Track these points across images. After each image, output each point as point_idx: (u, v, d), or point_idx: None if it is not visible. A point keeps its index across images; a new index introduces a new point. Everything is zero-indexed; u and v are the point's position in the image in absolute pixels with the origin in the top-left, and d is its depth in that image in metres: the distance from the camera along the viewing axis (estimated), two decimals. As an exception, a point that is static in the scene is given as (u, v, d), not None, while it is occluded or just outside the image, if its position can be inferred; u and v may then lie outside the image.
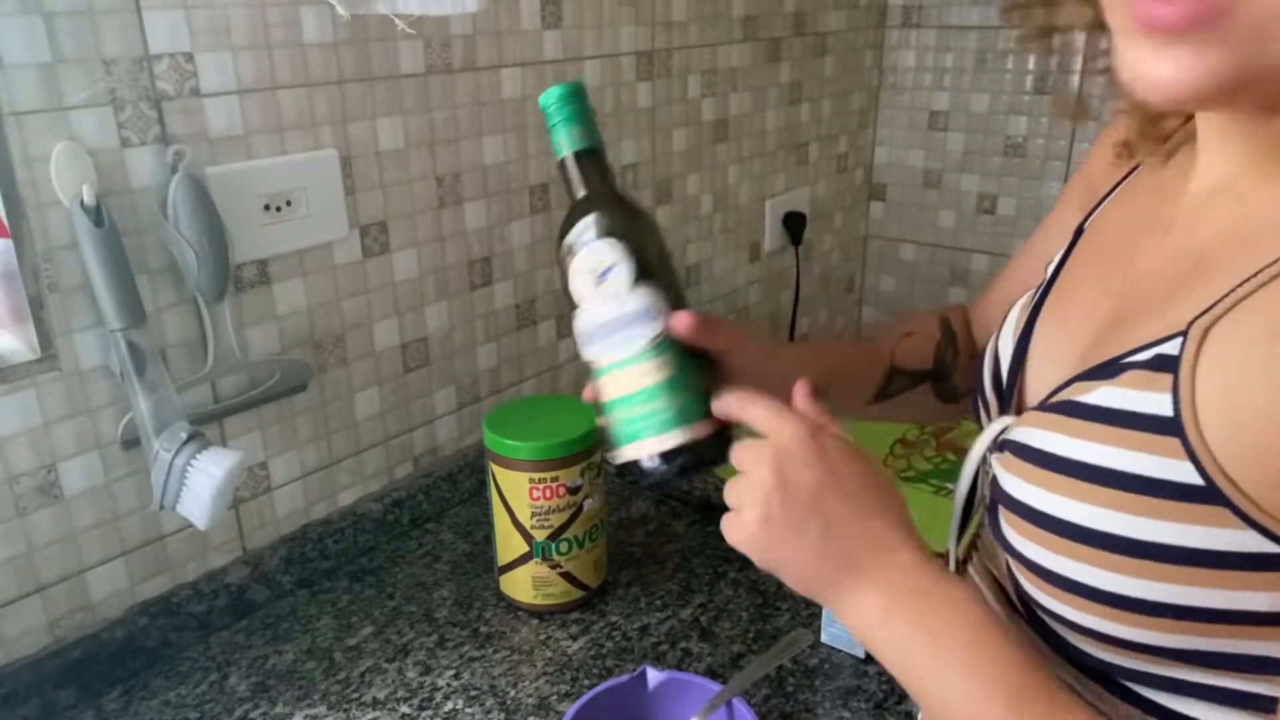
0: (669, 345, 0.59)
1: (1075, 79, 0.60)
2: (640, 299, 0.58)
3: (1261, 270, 0.41)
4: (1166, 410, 0.41)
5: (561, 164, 0.62)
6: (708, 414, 0.58)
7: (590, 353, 0.60)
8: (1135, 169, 0.59)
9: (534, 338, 1.18)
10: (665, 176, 1.30)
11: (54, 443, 0.77)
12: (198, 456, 0.77)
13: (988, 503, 0.54)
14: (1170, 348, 0.42)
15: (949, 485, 1.22)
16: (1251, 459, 0.39)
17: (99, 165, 0.74)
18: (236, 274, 0.85)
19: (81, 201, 0.72)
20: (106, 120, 0.75)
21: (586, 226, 0.60)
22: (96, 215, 0.73)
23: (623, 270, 0.58)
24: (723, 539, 0.54)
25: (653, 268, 0.59)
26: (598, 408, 0.61)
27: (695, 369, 0.59)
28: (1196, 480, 0.40)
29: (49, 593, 0.79)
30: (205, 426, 0.85)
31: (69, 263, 0.74)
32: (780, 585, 0.94)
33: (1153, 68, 0.41)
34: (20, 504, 0.76)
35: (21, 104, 0.70)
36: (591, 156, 0.62)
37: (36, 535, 0.78)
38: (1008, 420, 0.54)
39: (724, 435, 0.58)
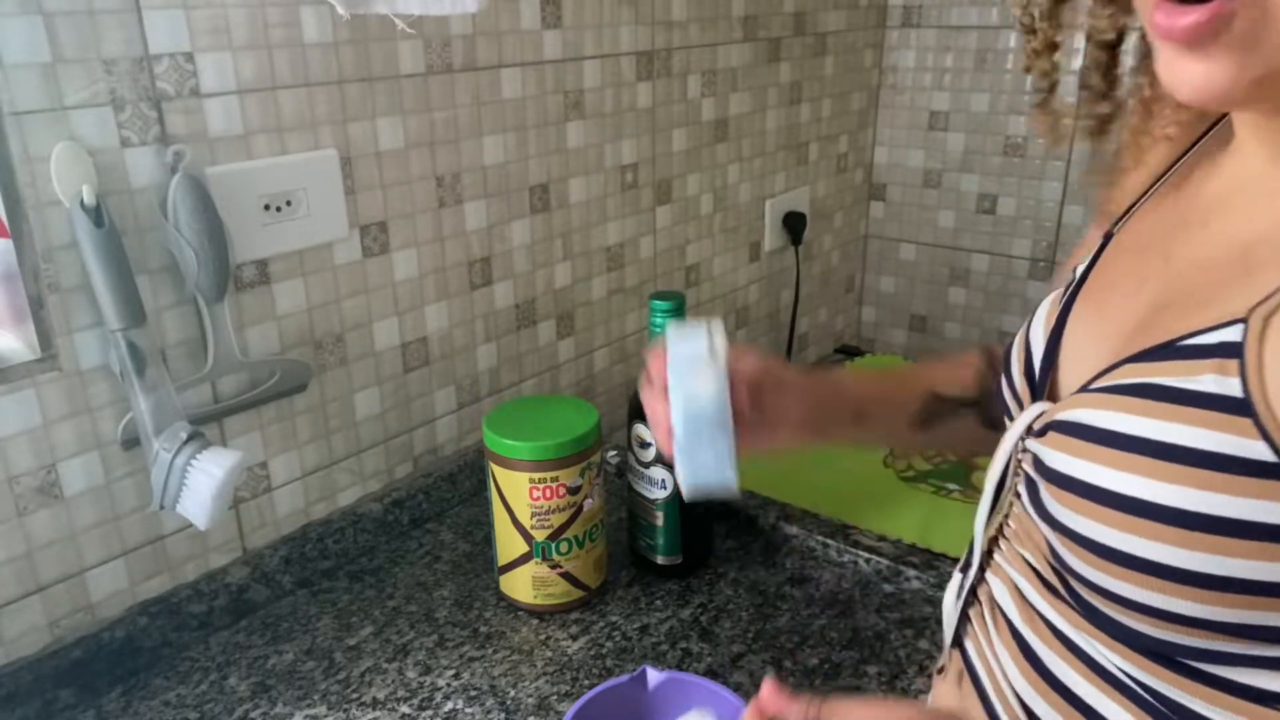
0: (666, 505, 0.92)
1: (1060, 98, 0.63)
2: (656, 471, 0.92)
3: None
4: (1237, 392, 0.43)
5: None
6: (680, 549, 0.95)
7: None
8: (1157, 184, 0.62)
9: (534, 338, 1.18)
10: (665, 176, 1.30)
11: (54, 443, 0.77)
12: (198, 456, 0.77)
13: (1025, 485, 0.56)
14: (1232, 333, 0.44)
15: (949, 485, 1.22)
16: None
17: (99, 165, 0.74)
18: (236, 274, 0.85)
19: (81, 201, 0.72)
20: (106, 120, 0.75)
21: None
22: (96, 215, 0.73)
23: (652, 452, 0.92)
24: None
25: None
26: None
27: (686, 523, 0.94)
28: (1271, 458, 0.42)
29: (49, 593, 0.79)
30: (205, 426, 0.85)
31: (69, 263, 0.74)
32: (780, 585, 0.95)
33: (1182, 72, 0.44)
34: (20, 504, 0.76)
35: (21, 104, 0.70)
36: None
37: (36, 535, 0.78)
38: (1043, 406, 0.56)
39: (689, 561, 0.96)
